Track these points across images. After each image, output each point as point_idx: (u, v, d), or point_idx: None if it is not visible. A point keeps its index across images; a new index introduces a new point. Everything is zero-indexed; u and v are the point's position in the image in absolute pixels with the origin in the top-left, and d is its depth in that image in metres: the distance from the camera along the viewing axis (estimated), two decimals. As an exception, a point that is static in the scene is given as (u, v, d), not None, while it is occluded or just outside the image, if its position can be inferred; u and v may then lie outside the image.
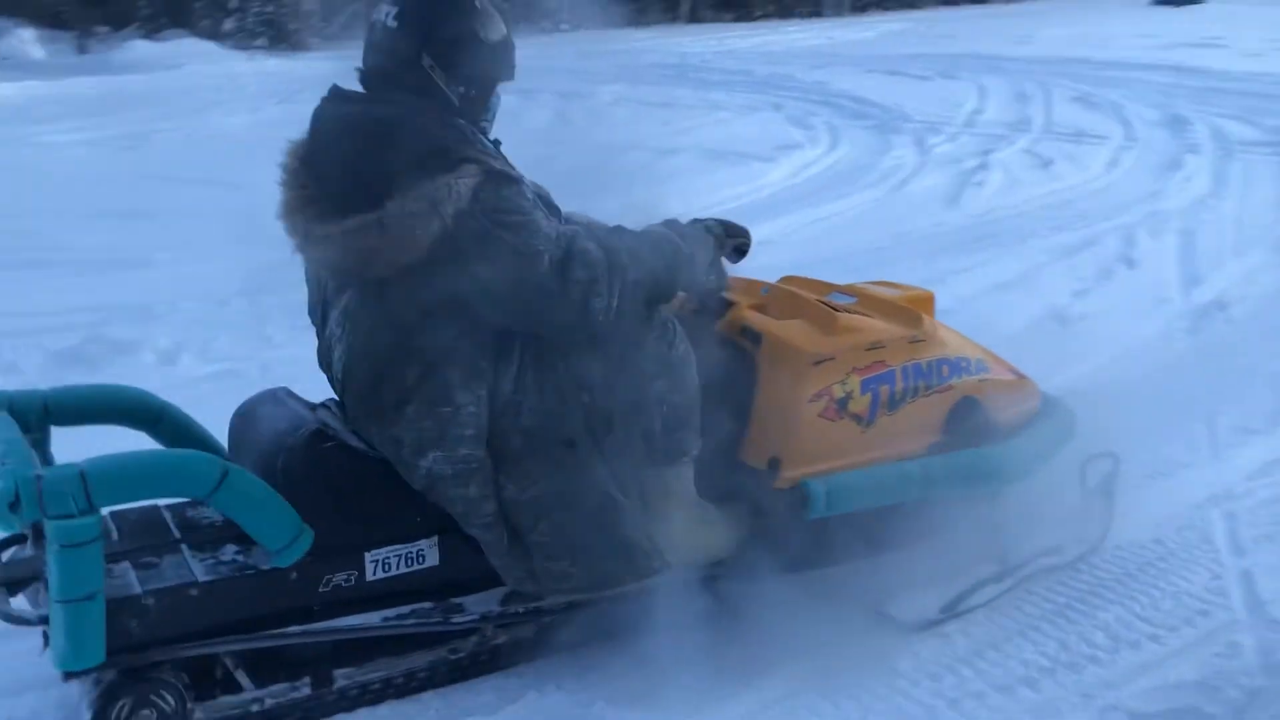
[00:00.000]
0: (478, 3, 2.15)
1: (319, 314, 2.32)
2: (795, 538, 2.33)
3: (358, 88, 2.21)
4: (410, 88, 2.12)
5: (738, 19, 29.57)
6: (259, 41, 21.65)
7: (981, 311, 4.90)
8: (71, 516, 1.82)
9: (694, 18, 29.10)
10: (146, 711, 1.98)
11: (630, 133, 9.53)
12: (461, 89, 2.16)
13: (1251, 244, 6.14)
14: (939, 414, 2.57)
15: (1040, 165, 8.39)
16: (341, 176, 2.08)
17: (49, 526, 1.83)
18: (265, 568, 2.09)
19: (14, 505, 1.82)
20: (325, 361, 2.31)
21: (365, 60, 2.19)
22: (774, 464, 2.36)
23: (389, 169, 2.01)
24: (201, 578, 2.07)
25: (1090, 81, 13.59)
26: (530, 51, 10.85)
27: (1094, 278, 5.42)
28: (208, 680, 2.11)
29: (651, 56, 17.47)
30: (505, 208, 2.03)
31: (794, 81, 13.63)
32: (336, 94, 2.20)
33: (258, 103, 11.65)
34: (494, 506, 2.15)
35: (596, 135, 9.34)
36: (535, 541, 2.17)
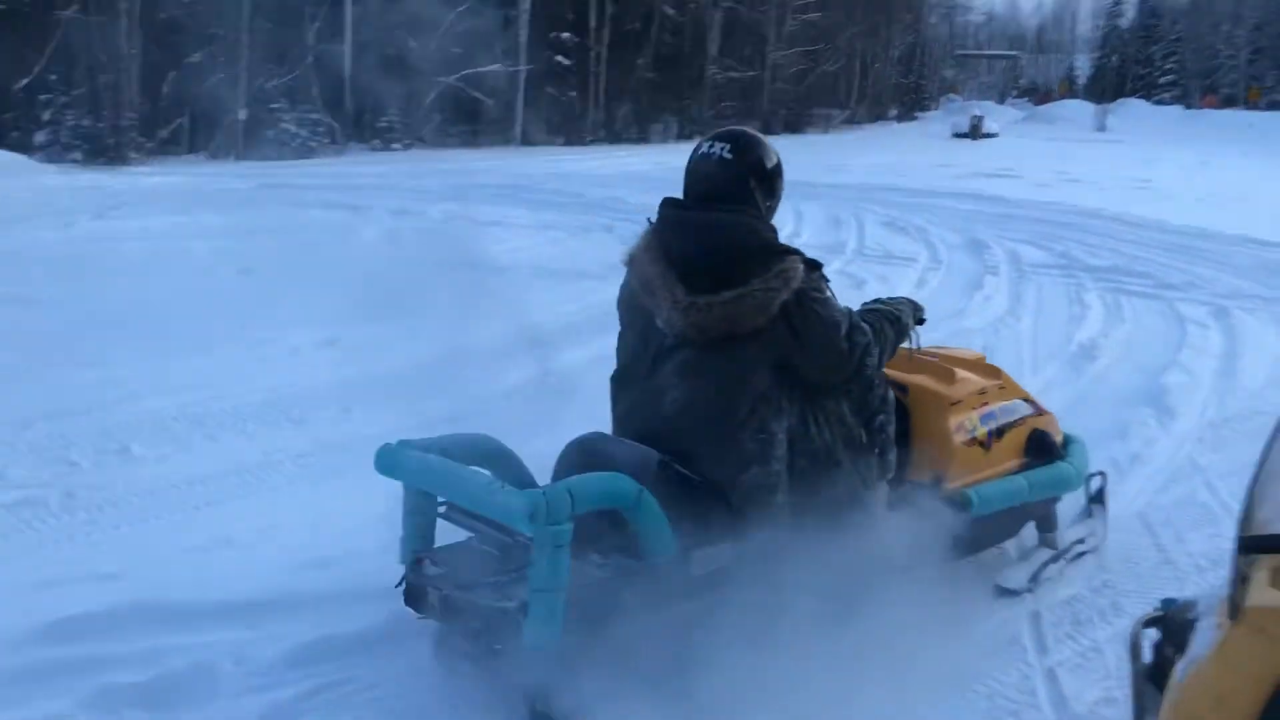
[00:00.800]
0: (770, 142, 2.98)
1: (642, 370, 2.88)
2: (960, 531, 3.16)
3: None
4: (737, 201, 2.81)
5: (569, 143, 30.44)
6: (74, 155, 20.91)
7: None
8: (560, 524, 2.40)
9: (526, 141, 29.77)
10: None
11: (463, 250, 9.58)
12: (768, 204, 2.90)
13: (1047, 359, 6.61)
14: (1021, 440, 3.57)
15: (854, 285, 8.83)
16: (711, 263, 2.73)
17: (546, 532, 2.40)
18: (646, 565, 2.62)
19: (533, 516, 2.41)
20: (643, 409, 2.87)
21: (696, 181, 2.88)
22: (937, 479, 3.24)
23: (748, 257, 2.72)
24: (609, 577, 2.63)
25: (898, 208, 14.53)
26: (361, 169, 10.93)
27: (907, 391, 5.70)
28: None
29: (485, 177, 17.72)
30: (818, 287, 2.80)
31: (624, 204, 14.01)
32: (678, 204, 2.90)
33: (70, 217, 11.19)
34: (788, 512, 2.78)
35: (428, 252, 9.37)
36: None
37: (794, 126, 41.33)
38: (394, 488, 2.91)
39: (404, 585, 2.80)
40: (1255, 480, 1.75)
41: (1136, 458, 4.79)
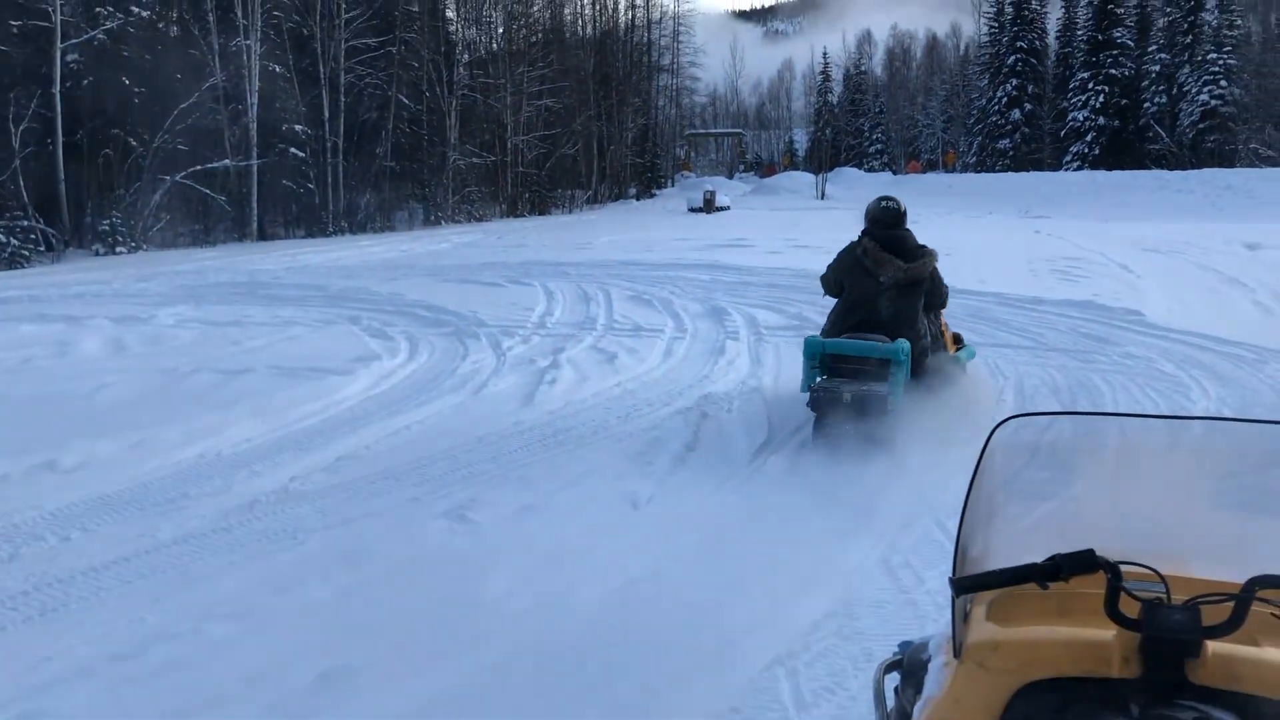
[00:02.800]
0: None
1: (867, 299, 6.44)
2: (955, 368, 6.81)
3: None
4: (903, 226, 6.64)
5: (310, 236, 29.62)
6: None
7: (562, 502, 5.10)
8: (904, 356, 6.11)
9: (264, 236, 28.73)
10: None
11: (196, 355, 9.06)
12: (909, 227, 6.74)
13: (787, 415, 6.91)
14: (954, 340, 7.44)
15: (606, 360, 9.00)
16: (904, 250, 6.46)
17: (902, 357, 6.07)
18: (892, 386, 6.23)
19: (899, 351, 6.00)
20: (872, 315, 6.41)
21: (886, 215, 6.63)
22: (947, 350, 7.06)
23: (917, 248, 6.52)
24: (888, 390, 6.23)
25: (643, 281, 14.96)
26: (82, 277, 10.18)
27: (661, 460, 5.82)
28: None
29: (219, 275, 16.91)
30: (937, 268, 6.62)
31: (370, 294, 13.74)
32: (884, 226, 6.62)
33: None
34: (925, 359, 6.50)
35: (158, 360, 8.80)
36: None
37: (539, 208, 42.03)
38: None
39: (813, 396, 6.06)
40: (961, 524, 1.88)
41: (875, 503, 5.06)
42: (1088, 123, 52.50)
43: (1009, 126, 57.29)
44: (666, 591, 4.06)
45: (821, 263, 16.64)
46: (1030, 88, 57.73)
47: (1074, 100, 53.47)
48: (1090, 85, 52.83)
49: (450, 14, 41.70)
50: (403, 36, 34.16)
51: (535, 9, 47.45)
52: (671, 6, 62.63)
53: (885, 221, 6.51)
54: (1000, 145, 57.35)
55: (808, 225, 27.61)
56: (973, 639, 1.80)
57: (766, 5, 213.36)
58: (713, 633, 3.68)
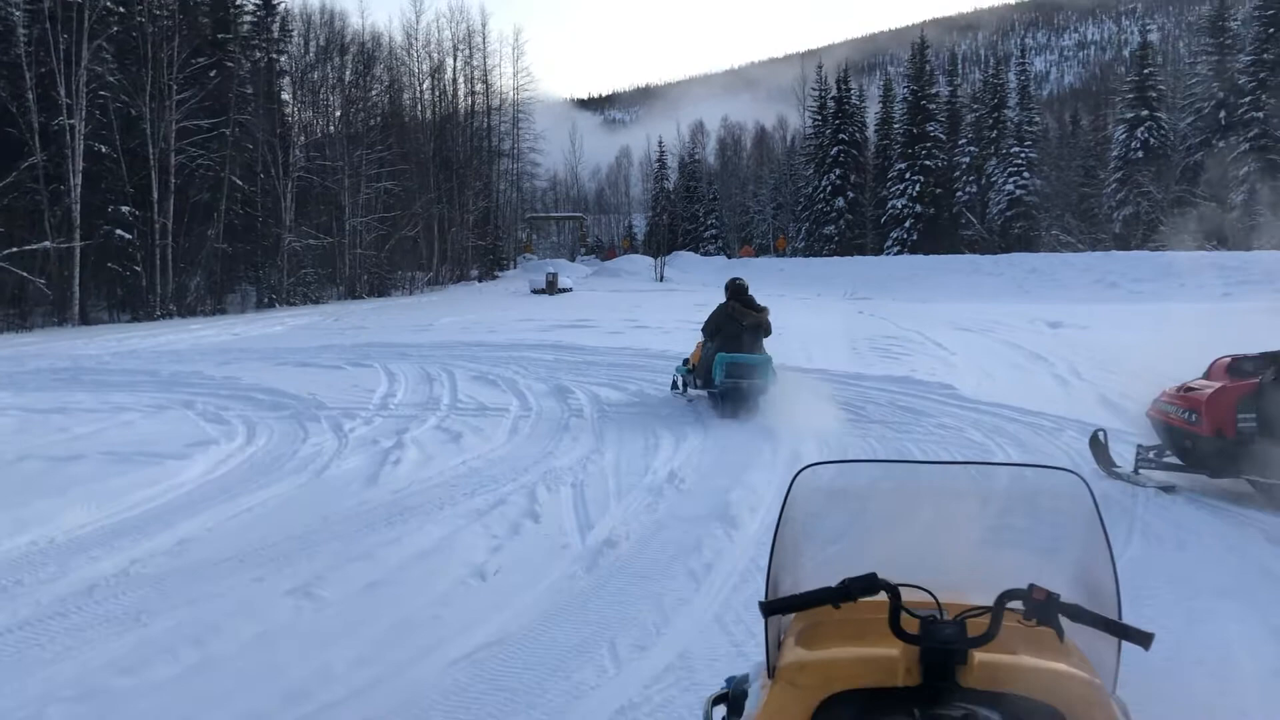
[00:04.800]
0: None
1: (734, 337, 10.91)
2: None
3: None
4: (748, 293, 11.56)
5: (136, 319, 28.55)
6: None
7: (408, 577, 5.22)
8: (769, 364, 10.97)
9: (86, 320, 27.54)
10: None
11: (19, 442, 8.73)
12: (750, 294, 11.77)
13: (628, 490, 7.21)
14: None
15: (451, 439, 9.12)
16: (754, 305, 11.36)
17: (769, 365, 10.86)
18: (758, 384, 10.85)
19: (767, 363, 10.92)
20: (738, 345, 10.87)
21: (741, 288, 11.49)
22: None
23: (760, 306, 11.42)
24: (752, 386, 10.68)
25: (488, 361, 15.14)
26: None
27: (505, 533, 6.00)
28: None
29: (39, 361, 16.18)
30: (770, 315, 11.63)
31: (204, 378, 13.44)
32: (738, 293, 11.38)
33: None
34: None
35: (-23, 449, 8.44)
36: None
37: (379, 289, 41.67)
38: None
39: (723, 387, 10.45)
40: (771, 559, 2.18)
41: (709, 567, 5.38)
42: (906, 210, 55.80)
43: (834, 213, 60.30)
44: (513, 655, 4.24)
45: (662, 340, 17.06)
46: (852, 177, 61.07)
47: (893, 189, 56.79)
48: (907, 175, 56.27)
49: (286, 96, 41.40)
50: (237, 118, 33.69)
51: (374, 93, 47.59)
52: (511, 95, 63.54)
53: (740, 290, 11.45)
54: (826, 231, 60.23)
55: (648, 306, 28.37)
56: (784, 661, 2.10)
57: (604, 94, 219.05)
58: (559, 691, 3.88)
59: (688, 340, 17.97)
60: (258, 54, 38.95)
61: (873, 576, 1.94)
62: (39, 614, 4.71)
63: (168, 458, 8.00)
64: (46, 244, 26.64)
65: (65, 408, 10.80)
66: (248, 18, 39.04)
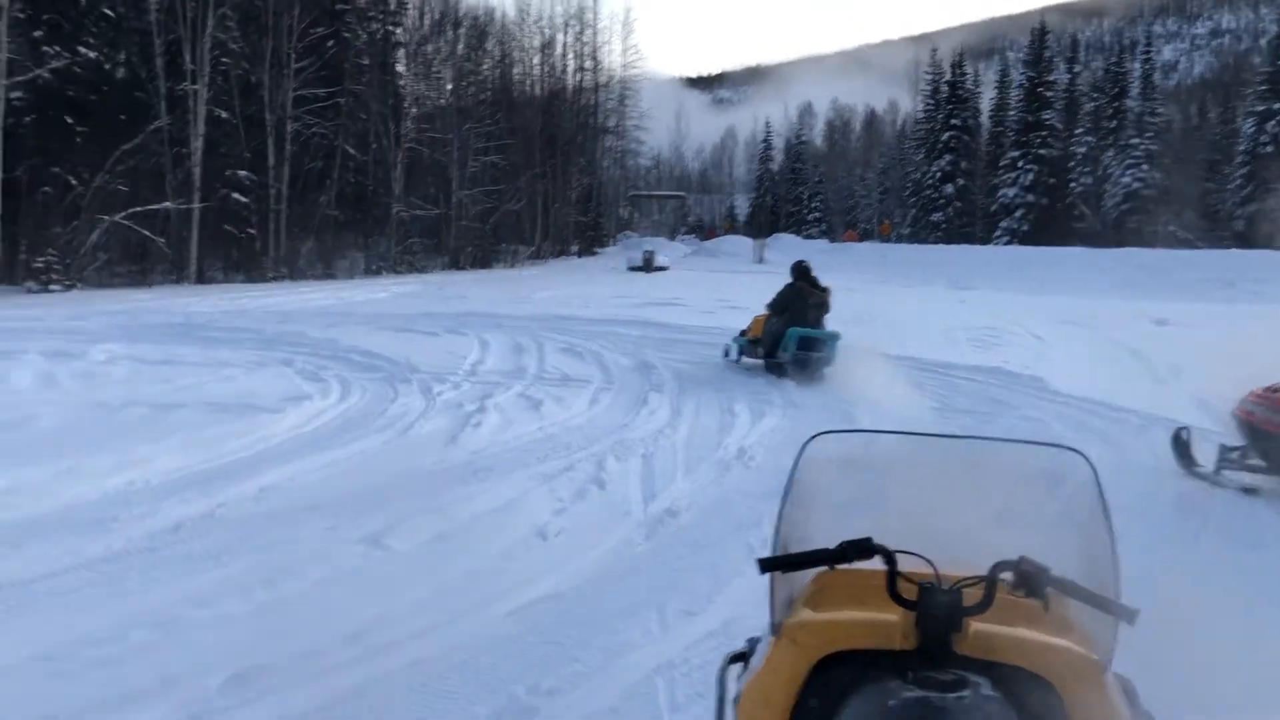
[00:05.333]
0: None
1: (804, 312, 12.08)
2: None
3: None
4: (812, 274, 12.73)
5: (249, 280, 29.65)
6: None
7: (475, 532, 5.42)
8: (837, 339, 12.11)
9: (202, 279, 28.71)
10: None
11: (128, 390, 9.23)
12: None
13: (697, 463, 7.30)
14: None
15: (532, 406, 9.33)
16: (818, 285, 12.52)
17: (834, 339, 12.10)
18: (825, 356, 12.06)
19: (833, 336, 12.16)
20: (804, 321, 12.00)
21: (805, 269, 12.64)
22: None
23: (825, 287, 12.63)
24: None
25: (578, 335, 15.36)
26: (13, 313, 10.41)
27: (571, 498, 6.16)
28: None
29: (154, 316, 16.97)
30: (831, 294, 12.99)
31: (306, 338, 13.95)
32: (805, 273, 12.57)
33: None
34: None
35: (89, 394, 8.96)
36: None
37: (482, 262, 42.41)
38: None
39: (794, 359, 11.68)
40: (779, 521, 2.25)
41: (768, 541, 5.42)
42: (1017, 199, 54.42)
43: (942, 200, 59.15)
44: (565, 611, 4.39)
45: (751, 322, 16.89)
46: (963, 164, 59.76)
47: (1005, 177, 55.42)
48: (1020, 164, 54.85)
49: (400, 68, 42.29)
50: (352, 88, 34.59)
51: (485, 67, 48.32)
52: (619, 72, 63.79)
53: (805, 271, 12.59)
54: (934, 218, 59.14)
55: (742, 287, 28.27)
56: (788, 621, 2.18)
57: (713, 73, 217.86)
58: (603, 647, 4.02)
59: (780, 322, 17.99)
60: (374, 25, 39.85)
61: (868, 540, 2.00)
62: (129, 548, 5.03)
63: (262, 411, 8.36)
64: (168, 205, 27.84)
65: (173, 360, 11.35)
66: (366, -10, 39.98)
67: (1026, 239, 51.79)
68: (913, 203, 62.56)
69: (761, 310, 12.77)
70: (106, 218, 26.36)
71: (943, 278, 37.28)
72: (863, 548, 2.01)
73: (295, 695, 3.53)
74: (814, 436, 2.26)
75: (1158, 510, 6.32)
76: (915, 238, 59.17)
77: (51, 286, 24.30)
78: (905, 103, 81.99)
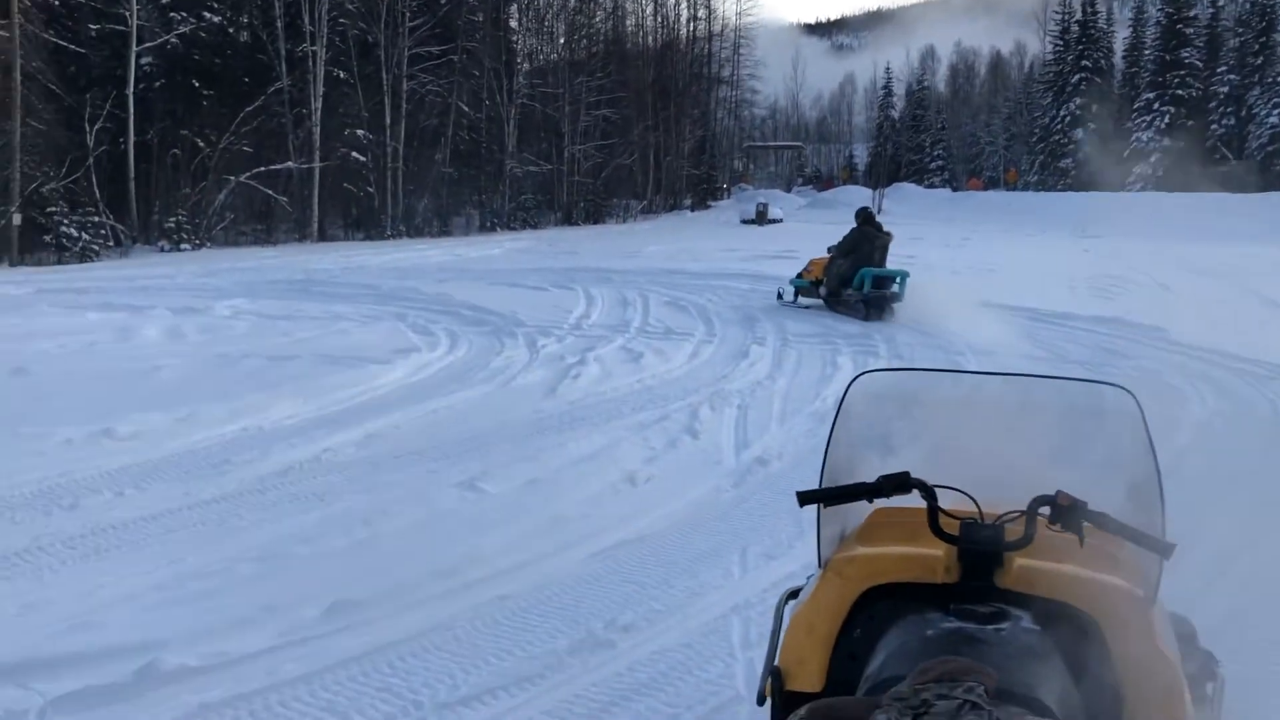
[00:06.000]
0: None
1: (871, 254, 13.22)
2: None
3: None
4: (876, 220, 14.46)
5: (368, 238, 30.49)
6: None
7: (566, 478, 5.55)
8: (906, 276, 13.15)
9: (323, 237, 29.65)
10: None
11: (248, 343, 9.67)
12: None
13: (792, 414, 7.30)
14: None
15: (632, 359, 9.43)
16: (881, 229, 13.90)
17: (904, 276, 13.17)
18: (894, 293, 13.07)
19: (903, 276, 13.20)
20: (870, 261, 13.09)
21: (870, 213, 14.33)
22: None
23: (887, 232, 14.18)
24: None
25: (683, 289, 15.39)
26: (147, 271, 10.96)
27: (663, 446, 6.25)
28: None
29: (277, 273, 17.64)
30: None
31: (419, 294, 14.33)
32: (870, 218, 14.06)
33: None
34: None
35: (210, 347, 9.42)
36: None
37: (594, 217, 42.63)
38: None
39: (868, 297, 12.60)
40: (825, 457, 2.27)
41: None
42: (1152, 143, 51.96)
43: (1071, 145, 56.83)
44: (648, 554, 4.49)
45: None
46: (1094, 107, 57.17)
47: (1138, 120, 52.94)
48: (1156, 105, 52.29)
49: (513, 23, 42.56)
50: (465, 45, 34.98)
51: (598, 20, 48.24)
52: (734, 20, 62.93)
53: (870, 217, 13.96)
54: (1062, 164, 56.93)
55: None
56: (835, 556, 2.21)
57: (833, 19, 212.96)
58: (683, 588, 4.10)
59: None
60: (487, -19, 40.14)
61: (906, 475, 2.01)
62: (240, 489, 5.32)
63: (372, 362, 8.67)
64: (290, 164, 28.77)
65: (292, 315, 11.82)
66: (478, -55, 40.25)
67: (1161, 184, 49.43)
68: (1040, 149, 60.26)
69: (818, 255, 14.31)
70: (232, 178, 27.40)
71: (1069, 226, 35.92)
72: (900, 482, 2.02)
73: (388, 625, 3.71)
74: (860, 374, 2.27)
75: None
76: (1042, 185, 57.07)
77: (182, 245, 25.44)
78: (1033, 44, 78.77)
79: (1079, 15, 59.15)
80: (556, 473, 5.67)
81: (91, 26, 26.43)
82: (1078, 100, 56.89)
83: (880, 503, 2.14)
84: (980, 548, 1.96)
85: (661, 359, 9.48)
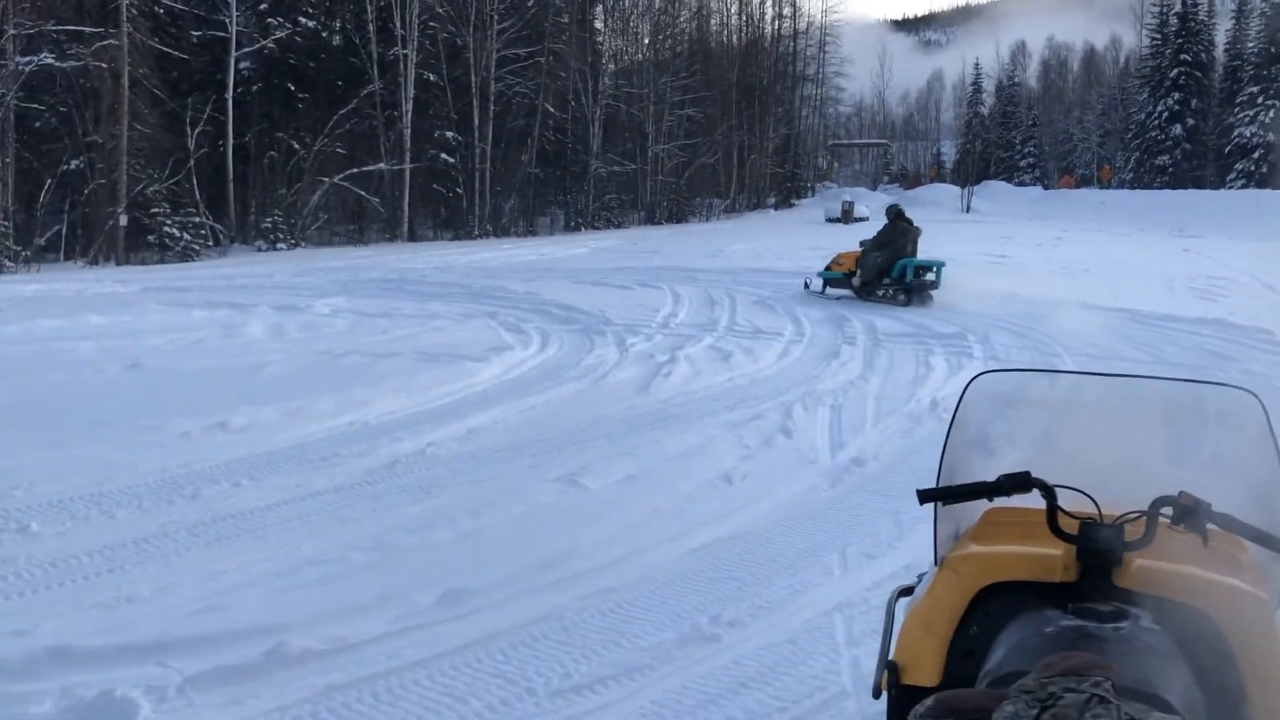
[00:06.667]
0: None
1: (904, 245, 14.10)
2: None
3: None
4: (906, 215, 14.93)
5: (457, 238, 31.00)
6: (-54, 264, 20.62)
7: (663, 474, 5.62)
8: (943, 265, 14.09)
9: (414, 237, 30.23)
10: None
11: (348, 340, 9.95)
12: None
13: (887, 415, 7.27)
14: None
15: (722, 358, 9.48)
16: (912, 224, 14.74)
17: (941, 266, 14.10)
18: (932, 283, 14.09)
19: (940, 266, 14.11)
20: (904, 253, 14.02)
21: (900, 210, 15.07)
22: None
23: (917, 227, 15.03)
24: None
25: (770, 288, 15.37)
26: (246, 270, 11.33)
27: (757, 445, 6.29)
28: None
29: (371, 272, 18.07)
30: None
31: (509, 292, 14.56)
32: (902, 214, 14.82)
33: (-50, 322, 11.18)
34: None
35: (313, 343, 9.71)
36: None
37: (677, 216, 42.68)
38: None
39: (909, 284, 13.70)
40: (942, 457, 2.31)
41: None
42: (1255, 139, 50.13)
43: (1169, 142, 55.16)
44: (748, 551, 4.54)
45: (955, 274, 16.81)
46: (1194, 102, 55.43)
47: (1241, 116, 51.15)
48: (1260, 100, 50.44)
49: (598, 24, 42.83)
50: (551, 47, 35.33)
51: (682, 19, 48.25)
52: (819, 18, 62.37)
53: (901, 213, 14.80)
54: (1159, 161, 55.27)
55: (946, 238, 27.18)
56: (951, 553, 2.25)
57: (920, 15, 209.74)
58: (784, 585, 4.15)
59: (986, 273, 17.44)
60: (573, -18, 40.47)
61: (1026, 474, 2.04)
62: (350, 481, 5.51)
63: (469, 359, 8.87)
64: (382, 166, 29.41)
65: (388, 313, 12.11)
66: (565, -52, 40.58)
67: (1265, 182, 47.68)
68: (1135, 145, 58.58)
69: (845, 249, 15.56)
70: (326, 179, 28.11)
71: (1167, 225, 34.89)
72: (1021, 481, 2.05)
73: (497, 614, 3.83)
74: (978, 375, 2.30)
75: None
76: (1138, 183, 55.42)
77: (278, 245, 26.19)
78: (1129, 38, 76.51)
79: (1178, 7, 57.36)
80: (653, 469, 5.75)
81: (194, 33, 27.35)
82: (1176, 95, 55.19)
83: (996, 502, 2.17)
84: (1100, 547, 1.98)
85: (751, 358, 9.51)
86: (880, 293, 13.98)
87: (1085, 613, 1.91)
